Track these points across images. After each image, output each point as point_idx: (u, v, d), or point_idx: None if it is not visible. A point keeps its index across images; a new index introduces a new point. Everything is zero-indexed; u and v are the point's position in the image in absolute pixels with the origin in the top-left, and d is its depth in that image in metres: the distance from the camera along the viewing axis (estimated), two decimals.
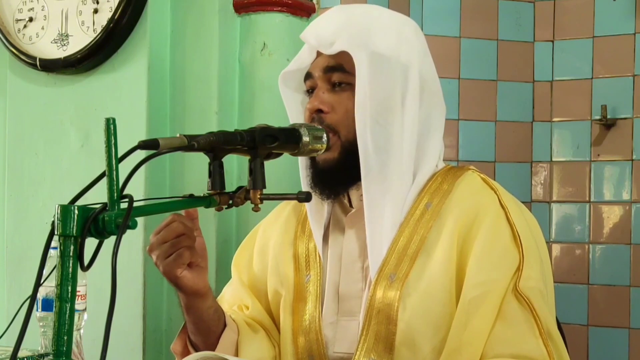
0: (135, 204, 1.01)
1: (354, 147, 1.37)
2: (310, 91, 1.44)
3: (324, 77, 1.41)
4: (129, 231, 1.00)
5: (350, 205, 1.45)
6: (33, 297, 1.01)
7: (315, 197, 1.42)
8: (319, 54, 1.43)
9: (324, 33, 1.41)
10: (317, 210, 1.47)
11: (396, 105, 1.38)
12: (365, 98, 1.36)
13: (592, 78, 2.77)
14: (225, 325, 1.41)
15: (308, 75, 1.44)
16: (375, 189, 1.37)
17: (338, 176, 1.40)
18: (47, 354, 1.43)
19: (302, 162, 1.47)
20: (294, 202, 1.54)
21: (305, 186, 1.45)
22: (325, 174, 1.40)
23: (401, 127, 1.38)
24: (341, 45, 1.38)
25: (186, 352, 1.41)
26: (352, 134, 1.37)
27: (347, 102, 1.38)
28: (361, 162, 1.36)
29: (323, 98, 1.40)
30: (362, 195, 1.38)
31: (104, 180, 1.01)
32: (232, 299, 1.55)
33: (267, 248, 1.54)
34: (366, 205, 1.37)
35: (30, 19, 2.18)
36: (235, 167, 2.05)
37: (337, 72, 1.40)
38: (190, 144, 1.12)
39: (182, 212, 1.31)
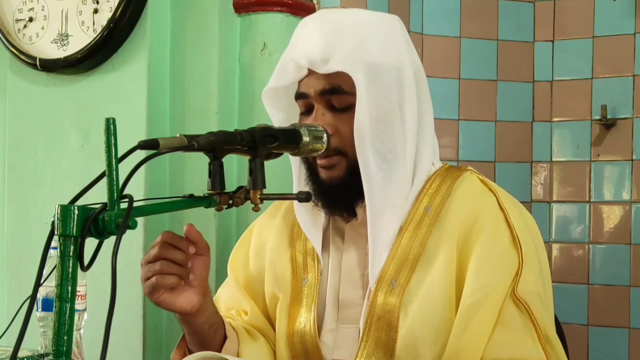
0: (135, 204, 1.01)
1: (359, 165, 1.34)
2: (305, 111, 1.40)
3: (321, 99, 1.36)
4: (129, 231, 1.00)
5: (350, 215, 1.43)
6: (33, 297, 1.01)
7: (313, 204, 1.41)
8: (310, 71, 1.38)
9: (314, 50, 1.35)
10: (316, 215, 1.45)
11: (395, 114, 1.35)
12: (364, 117, 1.32)
13: (592, 78, 2.76)
14: (225, 337, 1.40)
15: (302, 95, 1.39)
16: (379, 202, 1.35)
17: (343, 194, 1.38)
18: (47, 354, 1.43)
19: (297, 170, 1.45)
20: (289, 201, 1.53)
21: (295, 189, 1.44)
22: (331, 191, 1.38)
23: (403, 134, 1.36)
24: (337, 65, 1.33)
25: None
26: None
27: (350, 121, 1.34)
28: (364, 181, 1.33)
29: (324, 121, 1.35)
30: (365, 206, 1.36)
31: (104, 180, 1.01)
32: (229, 302, 1.54)
33: (263, 250, 1.53)
34: (369, 218, 1.35)
35: (30, 19, 2.18)
36: (235, 167, 2.05)
37: (336, 94, 1.35)
38: (190, 144, 1.12)
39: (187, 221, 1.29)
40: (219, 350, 1.38)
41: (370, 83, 1.33)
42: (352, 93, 1.34)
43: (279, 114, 1.46)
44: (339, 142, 1.35)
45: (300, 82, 1.41)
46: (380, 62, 1.35)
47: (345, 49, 1.34)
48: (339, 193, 1.38)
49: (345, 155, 1.36)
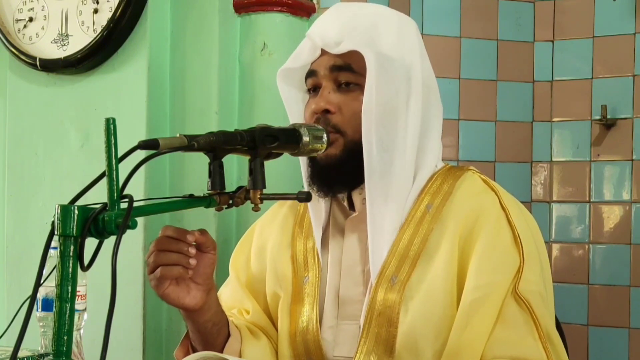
0: (135, 204, 1.01)
1: (357, 147, 1.35)
2: (313, 90, 1.43)
3: (330, 76, 1.39)
4: (129, 231, 1.00)
5: (352, 209, 1.44)
6: (33, 297, 1.01)
7: (313, 198, 1.41)
8: (323, 52, 1.41)
9: (329, 32, 1.39)
10: (316, 211, 1.46)
11: (401, 107, 1.37)
12: (372, 100, 1.34)
13: (592, 78, 2.76)
14: (229, 335, 1.40)
15: (311, 73, 1.42)
16: (378, 192, 1.36)
17: (338, 174, 1.38)
18: (47, 354, 1.43)
19: (303, 159, 1.46)
20: (290, 201, 1.54)
21: (305, 184, 1.45)
22: (325, 171, 1.39)
23: (405, 128, 1.37)
24: (350, 45, 1.36)
25: None
26: (357, 135, 1.36)
27: (354, 102, 1.37)
28: (365, 165, 1.35)
29: (329, 98, 1.38)
30: (364, 198, 1.38)
31: (104, 180, 1.01)
32: (230, 301, 1.54)
33: (265, 249, 1.53)
34: (369, 207, 1.36)
35: (30, 19, 2.18)
36: (235, 167, 2.05)
37: (345, 71, 1.38)
38: (190, 144, 1.12)
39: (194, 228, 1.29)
40: (222, 349, 1.39)
41: (381, 69, 1.35)
42: (361, 74, 1.36)
43: (290, 89, 1.48)
44: (340, 121, 1.37)
45: (312, 63, 1.43)
46: (391, 55, 1.37)
47: (359, 33, 1.37)
48: (334, 172, 1.38)
49: (343, 134, 1.37)
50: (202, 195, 1.18)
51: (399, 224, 1.38)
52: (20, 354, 1.36)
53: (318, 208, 1.46)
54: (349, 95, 1.38)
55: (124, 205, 1.01)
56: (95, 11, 2.08)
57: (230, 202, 1.21)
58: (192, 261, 1.26)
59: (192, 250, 1.26)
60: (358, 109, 1.36)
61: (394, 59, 1.37)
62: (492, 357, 1.28)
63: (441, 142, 1.47)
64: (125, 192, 1.02)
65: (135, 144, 1.05)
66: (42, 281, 1.06)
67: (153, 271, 1.26)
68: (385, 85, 1.35)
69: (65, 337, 0.97)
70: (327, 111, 1.37)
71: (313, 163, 1.41)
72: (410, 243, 1.36)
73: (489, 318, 1.29)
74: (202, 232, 1.29)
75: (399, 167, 1.37)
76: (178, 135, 1.12)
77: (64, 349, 0.97)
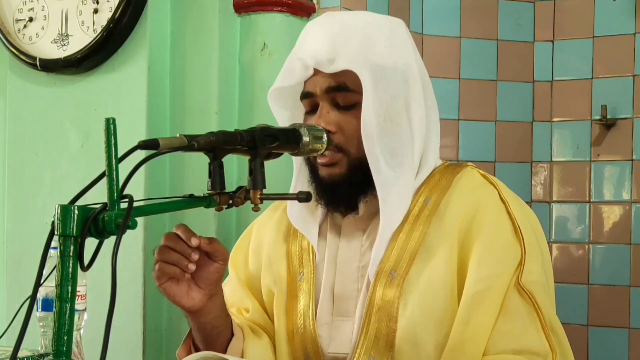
0: (135, 204, 1.01)
1: (362, 163, 1.35)
2: (310, 110, 1.41)
3: (327, 97, 1.37)
4: (129, 231, 1.00)
5: (351, 211, 1.43)
6: (33, 297, 1.01)
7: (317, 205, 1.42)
8: (316, 71, 1.39)
9: (320, 50, 1.37)
10: (312, 209, 1.46)
11: (401, 113, 1.36)
12: (371, 116, 1.33)
13: (592, 78, 2.76)
14: (231, 337, 1.40)
15: (307, 95, 1.40)
16: (391, 197, 1.35)
17: (345, 191, 1.38)
18: (47, 354, 1.43)
19: (298, 169, 1.46)
20: (287, 201, 1.54)
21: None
22: (331, 188, 1.39)
23: (410, 133, 1.37)
24: (344, 64, 1.34)
25: None
26: (361, 151, 1.35)
27: (354, 120, 1.35)
28: (375, 178, 1.34)
29: (329, 119, 1.36)
30: (367, 201, 1.38)
31: (104, 180, 1.01)
32: (230, 299, 1.53)
33: (261, 247, 1.54)
34: (383, 212, 1.35)
35: (30, 19, 2.18)
36: (235, 167, 2.05)
37: (342, 92, 1.36)
38: (190, 144, 1.12)
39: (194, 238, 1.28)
40: (224, 349, 1.39)
41: (377, 81, 1.34)
42: (357, 91, 1.35)
43: (285, 112, 1.47)
44: (342, 140, 1.36)
45: (306, 82, 1.41)
46: (386, 62, 1.36)
47: (352, 48, 1.35)
48: (340, 190, 1.38)
49: (346, 154, 1.36)
50: (202, 195, 1.19)
51: (400, 221, 1.38)
52: (20, 354, 1.36)
53: (314, 206, 1.45)
54: (348, 113, 1.37)
55: (124, 205, 1.01)
56: (95, 11, 2.08)
57: (230, 202, 1.21)
58: (192, 266, 1.26)
59: (195, 256, 1.26)
60: (358, 126, 1.34)
61: (389, 65, 1.36)
62: (496, 351, 1.28)
63: (439, 140, 1.47)
64: (125, 192, 1.02)
65: (135, 144, 1.05)
66: (42, 281, 1.06)
67: (156, 264, 1.27)
68: (382, 95, 1.34)
69: (65, 337, 0.97)
70: (327, 132, 1.35)
71: (317, 181, 1.40)
72: (409, 238, 1.36)
73: (492, 311, 1.29)
74: (211, 240, 1.28)
75: (408, 172, 1.37)
76: (178, 135, 1.12)
77: (64, 349, 0.97)
